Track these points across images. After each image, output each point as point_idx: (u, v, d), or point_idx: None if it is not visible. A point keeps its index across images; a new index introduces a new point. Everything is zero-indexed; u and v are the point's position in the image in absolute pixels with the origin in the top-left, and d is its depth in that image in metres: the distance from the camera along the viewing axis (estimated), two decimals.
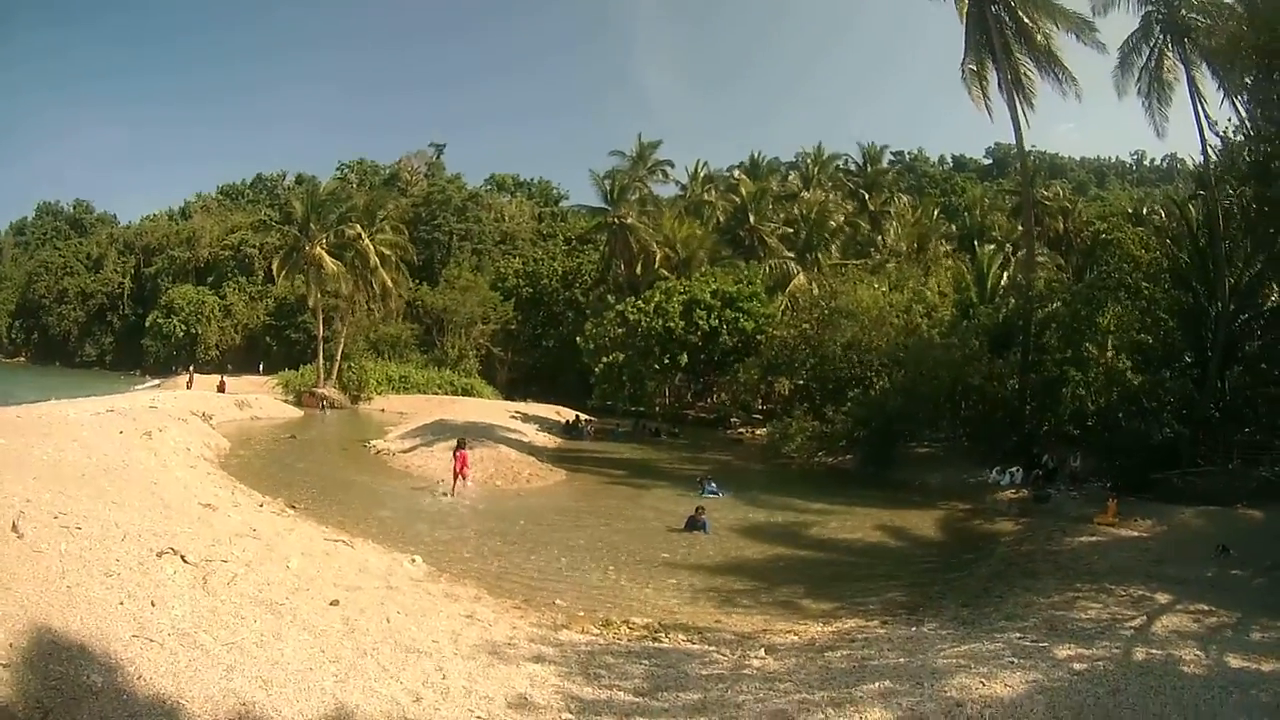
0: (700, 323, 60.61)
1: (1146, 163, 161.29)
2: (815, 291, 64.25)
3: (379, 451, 43.48)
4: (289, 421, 59.05)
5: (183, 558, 14.30)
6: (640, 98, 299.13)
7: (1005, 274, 59.72)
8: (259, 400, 65.19)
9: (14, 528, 12.88)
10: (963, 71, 47.38)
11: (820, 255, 79.46)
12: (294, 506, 26.99)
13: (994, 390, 43.15)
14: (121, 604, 11.32)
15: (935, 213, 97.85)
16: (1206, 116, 39.18)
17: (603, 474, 43.37)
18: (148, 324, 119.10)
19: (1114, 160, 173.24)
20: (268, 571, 15.61)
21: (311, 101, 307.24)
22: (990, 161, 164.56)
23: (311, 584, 15.65)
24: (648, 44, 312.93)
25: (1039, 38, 45.46)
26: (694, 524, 28.02)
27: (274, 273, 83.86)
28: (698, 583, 21.94)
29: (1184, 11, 40.70)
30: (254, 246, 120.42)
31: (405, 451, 42.45)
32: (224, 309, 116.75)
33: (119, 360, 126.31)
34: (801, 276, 74.31)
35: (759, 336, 60.04)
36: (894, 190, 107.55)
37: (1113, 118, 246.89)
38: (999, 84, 46.07)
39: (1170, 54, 41.77)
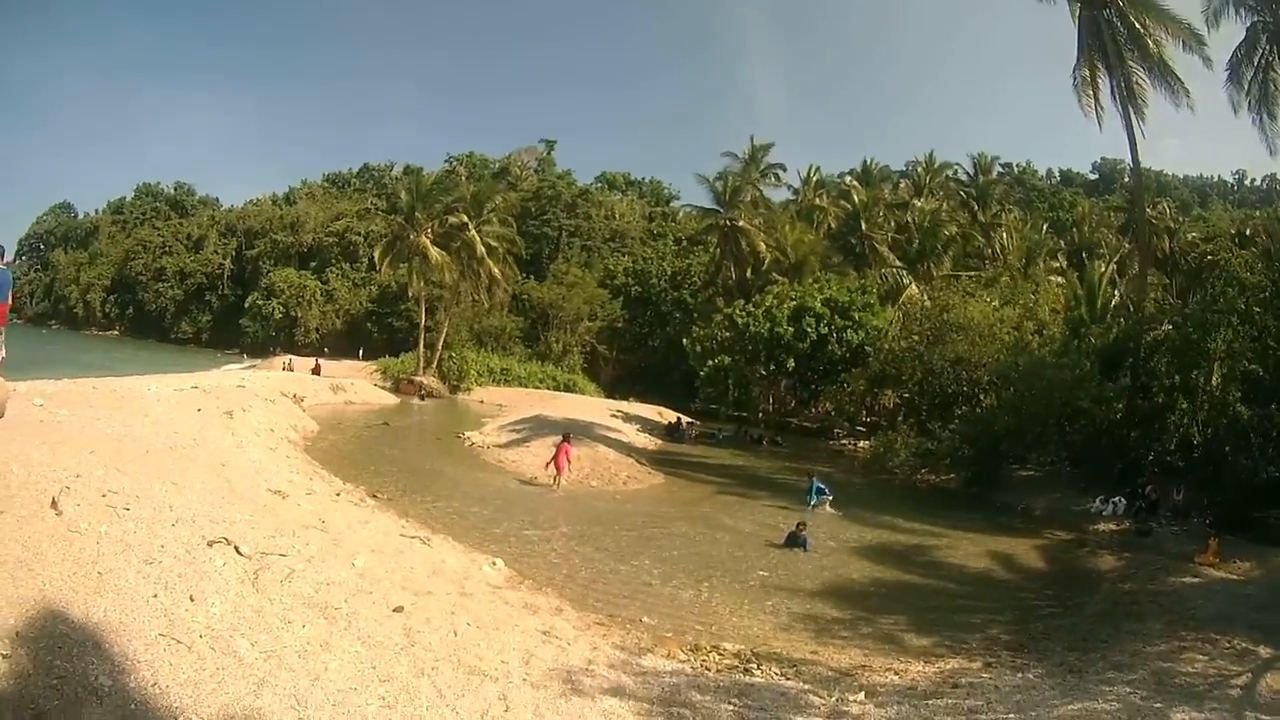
0: (809, 330, 58.78)
1: (1248, 182, 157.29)
2: (926, 303, 62.39)
3: (473, 444, 42.42)
4: (384, 408, 58.57)
5: (236, 549, 13.19)
6: (748, 108, 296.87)
7: (1116, 292, 58.03)
8: (354, 385, 64.92)
9: (54, 504, 12.07)
10: (1074, 78, 45.95)
11: (933, 265, 76.91)
12: (375, 496, 26.22)
13: (1102, 415, 40.97)
14: (155, 596, 10.26)
15: (1044, 228, 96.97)
16: None
17: (702, 480, 41.29)
18: (247, 305, 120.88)
19: (1216, 179, 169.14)
20: (330, 569, 14.42)
21: (419, 99, 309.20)
22: (1096, 177, 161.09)
23: (376, 586, 14.39)
24: (757, 55, 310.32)
25: (1151, 45, 43.69)
26: (794, 540, 26.47)
27: (377, 261, 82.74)
28: (794, 607, 20.46)
29: None
30: (358, 234, 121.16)
31: (500, 446, 41.33)
32: (326, 294, 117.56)
33: (215, 339, 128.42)
34: (914, 287, 72.22)
35: (866, 348, 58.49)
36: (1004, 202, 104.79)
37: (1217, 135, 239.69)
38: (1111, 92, 44.65)
39: (1278, 66, 39.98)
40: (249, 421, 33.87)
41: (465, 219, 76.70)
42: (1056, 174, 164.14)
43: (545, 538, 24.41)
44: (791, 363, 59.71)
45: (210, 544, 12.89)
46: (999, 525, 35.12)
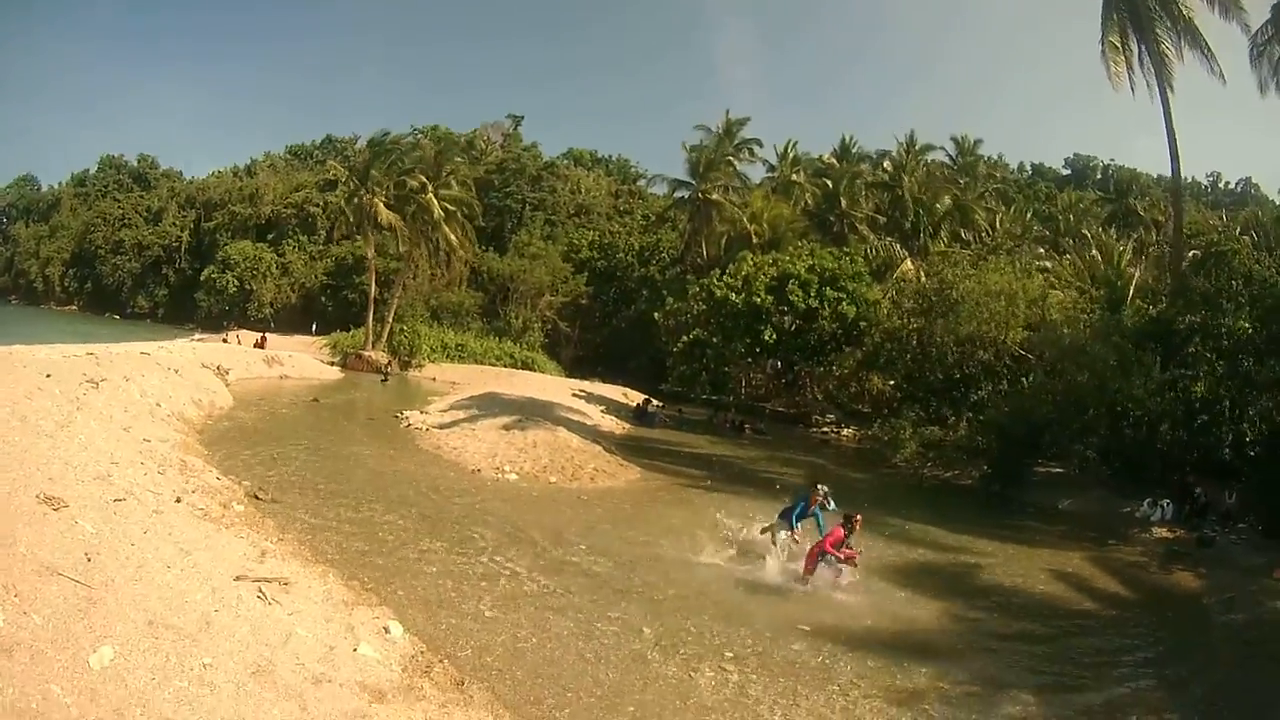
0: (795, 300, 50.64)
1: (1221, 185, 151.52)
2: (923, 279, 55.26)
3: (410, 425, 34.89)
4: (323, 384, 51.97)
5: None
6: (723, 92, 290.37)
7: (1135, 272, 50.59)
8: (295, 359, 58.07)
9: None
10: (1102, 46, 42.98)
11: (928, 240, 71.08)
12: (257, 496, 19.31)
13: (1155, 405, 34.36)
14: None
15: (1028, 214, 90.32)
16: None
17: (684, 475, 33.20)
18: (202, 278, 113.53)
19: (1190, 180, 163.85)
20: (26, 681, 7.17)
21: (389, 85, 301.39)
22: (1069, 172, 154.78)
23: None
24: (732, 43, 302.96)
25: (1180, 9, 41.35)
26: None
27: (334, 227, 76.75)
28: (861, 672, 13.78)
29: None
30: (318, 205, 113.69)
31: (441, 428, 33.73)
32: (282, 266, 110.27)
33: (171, 314, 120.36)
34: (908, 262, 65.52)
35: (862, 324, 50.74)
36: (988, 185, 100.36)
37: (1192, 135, 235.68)
38: (1139, 61, 42.66)
39: None
40: (127, 393, 26.87)
41: (423, 180, 70.49)
42: (1029, 168, 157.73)
43: (484, 572, 16.48)
44: (771, 336, 51.07)
45: None
46: (1036, 533, 29.41)
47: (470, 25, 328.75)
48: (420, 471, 26.10)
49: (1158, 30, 41.38)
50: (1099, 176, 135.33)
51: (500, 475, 26.66)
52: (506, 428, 32.67)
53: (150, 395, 28.47)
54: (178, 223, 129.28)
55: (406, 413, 37.72)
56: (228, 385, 39.96)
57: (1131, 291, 46.77)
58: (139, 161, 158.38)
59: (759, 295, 50.65)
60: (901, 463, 40.61)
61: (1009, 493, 35.68)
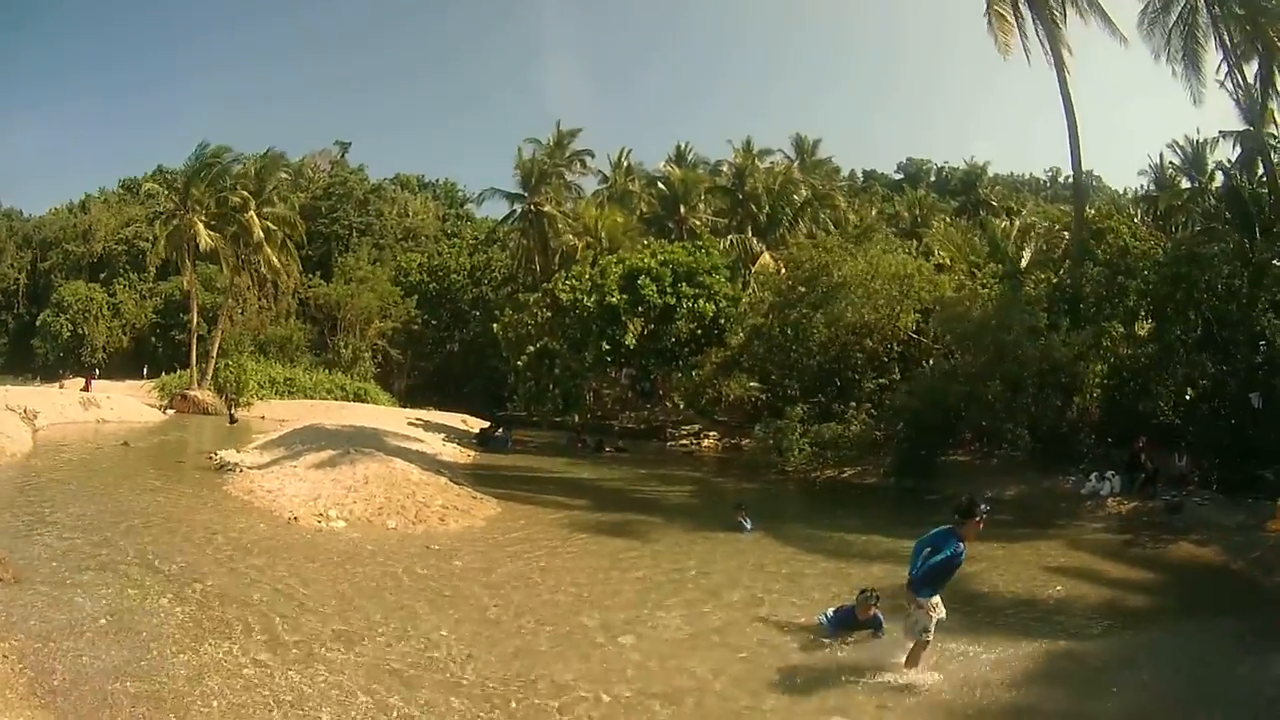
0: (649, 295, 45.39)
1: (1061, 179, 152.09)
2: (783, 271, 52.06)
3: (223, 465, 29.67)
4: (141, 427, 47.48)
5: None
6: (545, 98, 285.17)
7: (1026, 250, 49.13)
8: (115, 402, 53.19)
9: None
10: (988, 16, 40.62)
11: (785, 232, 68.73)
12: None
13: (1082, 370, 33.86)
14: None
15: (873, 212, 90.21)
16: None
17: (551, 504, 28.49)
18: (38, 323, 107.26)
19: (1029, 177, 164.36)
20: None
21: (213, 110, 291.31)
22: (901, 176, 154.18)
23: None
24: (550, 41, 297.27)
25: None
26: (861, 622, 14.49)
27: (154, 255, 74.30)
28: None
29: None
30: (147, 240, 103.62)
31: (258, 468, 28.76)
32: (113, 308, 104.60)
33: (11, 364, 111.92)
34: (766, 255, 63.38)
35: (722, 321, 46.91)
36: (833, 183, 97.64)
37: (1028, 133, 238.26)
38: (1026, 30, 40.75)
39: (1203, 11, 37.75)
40: None
41: (245, 196, 66.23)
42: (860, 174, 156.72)
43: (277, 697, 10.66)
44: (632, 339, 45.83)
45: None
46: (993, 526, 24.88)
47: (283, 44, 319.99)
48: (222, 524, 20.76)
49: None
50: (933, 179, 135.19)
51: (324, 524, 21.57)
52: (332, 462, 27.80)
53: None
54: (15, 264, 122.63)
55: (221, 453, 32.15)
56: (35, 430, 36.93)
57: (1025, 264, 46.00)
58: None
59: (612, 294, 45.62)
60: (789, 467, 37.90)
61: (923, 486, 32.85)
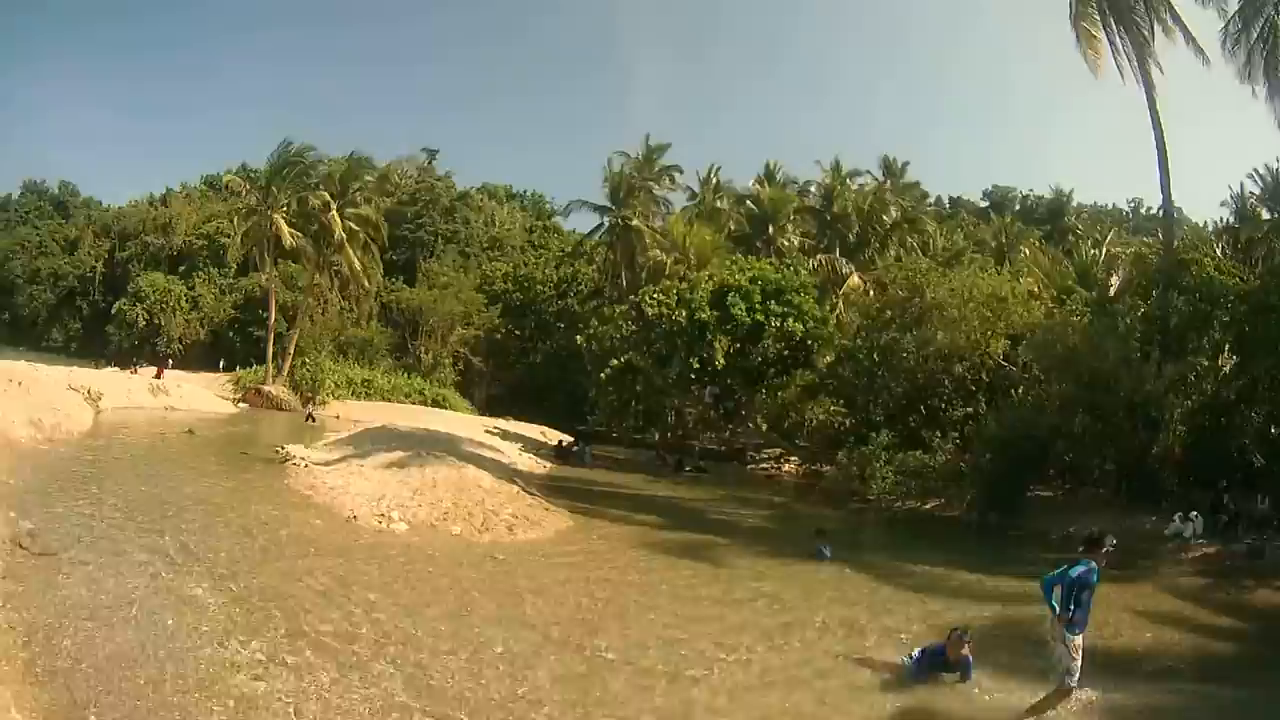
0: (737, 313, 42.70)
1: (1144, 210, 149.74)
2: (872, 295, 51.65)
3: (289, 459, 28.27)
4: (214, 418, 46.94)
5: None
6: (637, 124, 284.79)
7: (1114, 278, 46.73)
8: (186, 391, 52.60)
9: None
10: (1075, 33, 38.81)
11: (875, 254, 66.99)
12: (22, 545, 13.62)
13: (1171, 404, 32.42)
14: None
15: (960, 235, 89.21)
16: None
17: (626, 520, 27.34)
18: (114, 311, 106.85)
19: (1111, 207, 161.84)
20: None
21: (303, 117, 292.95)
22: (988, 204, 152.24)
23: None
24: (646, 74, 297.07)
25: None
26: (949, 664, 13.76)
27: (234, 251, 75.72)
28: None
29: None
30: (228, 236, 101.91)
31: (324, 464, 27.49)
32: (191, 300, 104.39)
33: (85, 348, 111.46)
34: (855, 277, 60.95)
35: (809, 343, 44.34)
36: (921, 205, 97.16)
37: (1112, 163, 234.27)
38: (1117, 47, 38.42)
39: None
40: None
41: (328, 199, 64.56)
42: (946, 201, 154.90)
43: None
44: (722, 356, 42.59)
45: None
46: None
47: (383, 51, 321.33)
48: (276, 518, 19.68)
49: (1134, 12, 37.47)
50: (1018, 207, 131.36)
51: (385, 525, 20.45)
52: (401, 464, 26.78)
53: None
54: (92, 252, 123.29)
55: (289, 447, 31.17)
56: (98, 411, 35.66)
57: (1113, 292, 43.75)
58: (59, 188, 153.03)
59: (702, 310, 43.34)
60: (871, 496, 36.71)
61: (1006, 521, 31.93)
